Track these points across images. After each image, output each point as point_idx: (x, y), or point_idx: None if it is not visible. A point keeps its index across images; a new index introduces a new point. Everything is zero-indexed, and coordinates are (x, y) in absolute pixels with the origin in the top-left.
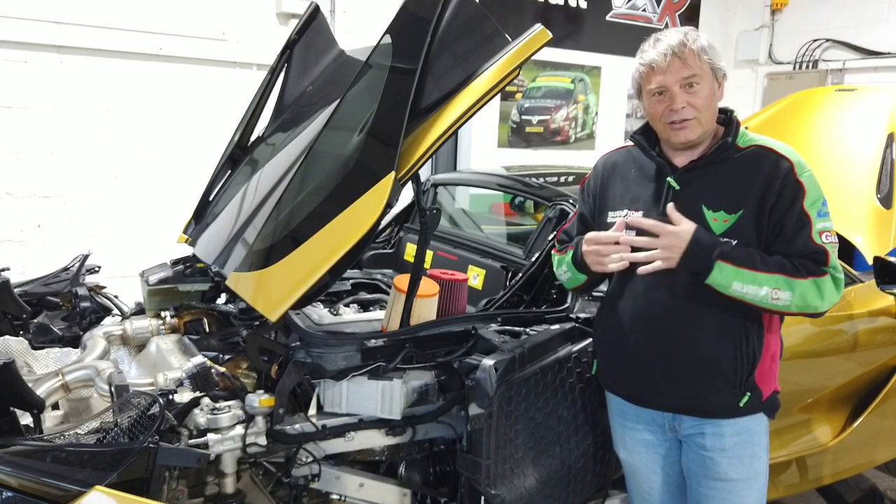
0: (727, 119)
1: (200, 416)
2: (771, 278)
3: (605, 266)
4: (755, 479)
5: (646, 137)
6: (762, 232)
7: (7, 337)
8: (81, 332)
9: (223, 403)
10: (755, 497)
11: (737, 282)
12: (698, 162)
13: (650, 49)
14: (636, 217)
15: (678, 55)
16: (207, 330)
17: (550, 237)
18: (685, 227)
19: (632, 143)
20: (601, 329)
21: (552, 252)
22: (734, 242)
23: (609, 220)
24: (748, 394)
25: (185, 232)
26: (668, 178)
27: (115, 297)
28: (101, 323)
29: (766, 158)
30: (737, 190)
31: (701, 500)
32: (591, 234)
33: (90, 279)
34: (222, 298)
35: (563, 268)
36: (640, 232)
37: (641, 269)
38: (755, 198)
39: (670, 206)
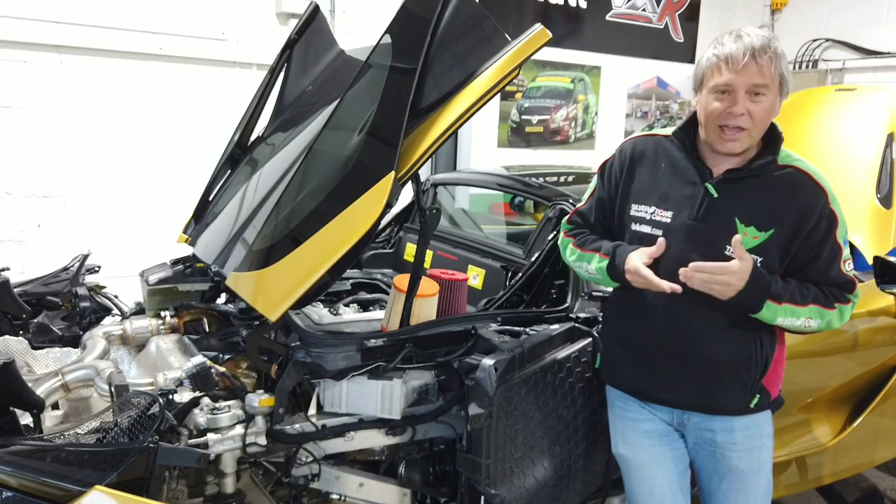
0: (772, 134)
1: (200, 416)
2: (806, 310)
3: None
4: (763, 469)
5: (687, 135)
6: (787, 254)
7: (7, 337)
8: (81, 332)
9: (223, 403)
10: (764, 485)
11: (780, 317)
12: (740, 173)
13: (730, 43)
14: (699, 264)
15: (756, 59)
16: (207, 330)
17: (550, 237)
18: (746, 265)
19: (663, 134)
20: (612, 326)
21: (562, 235)
22: (760, 262)
23: (633, 213)
24: (758, 395)
25: (184, 232)
26: (707, 184)
27: (115, 297)
28: (101, 323)
29: (805, 184)
30: (772, 209)
31: (713, 493)
32: (637, 268)
33: (90, 279)
34: (222, 298)
35: (586, 265)
36: (679, 240)
37: (694, 284)
38: (790, 222)
39: (736, 239)
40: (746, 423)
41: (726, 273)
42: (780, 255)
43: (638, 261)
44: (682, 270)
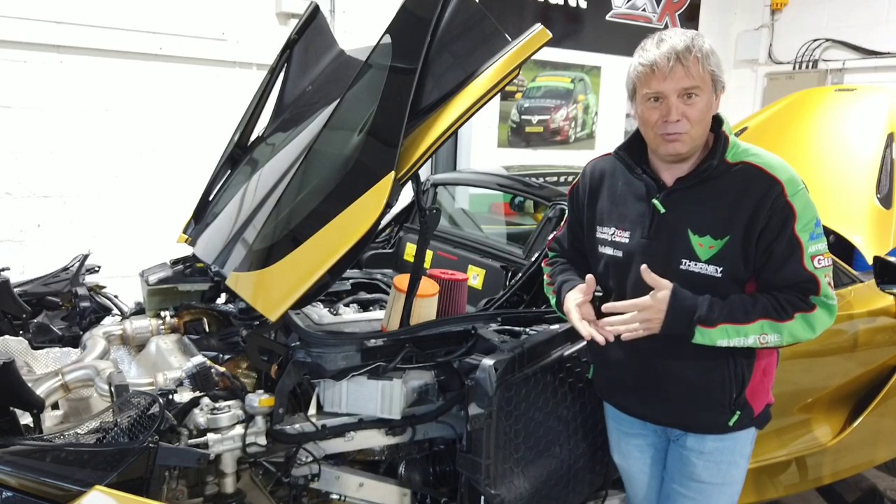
0: (716, 129)
1: (200, 416)
2: (755, 326)
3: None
4: (728, 486)
5: (630, 152)
6: (749, 258)
7: (7, 337)
8: (81, 332)
9: (223, 403)
10: (725, 501)
11: (721, 339)
12: (684, 182)
13: (652, 48)
14: (609, 304)
15: (682, 61)
16: (207, 330)
17: (550, 237)
18: (661, 297)
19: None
20: (594, 342)
21: (543, 264)
22: (720, 271)
23: (598, 235)
24: (738, 412)
25: (184, 232)
26: (654, 200)
27: (115, 297)
28: (101, 323)
29: (755, 180)
30: (724, 213)
31: (671, 495)
32: (569, 307)
33: (90, 279)
34: (222, 298)
35: (551, 297)
36: (622, 270)
37: (625, 337)
38: (742, 223)
39: (644, 268)
40: (721, 438)
41: (639, 309)
42: (742, 261)
43: (571, 302)
44: (601, 322)
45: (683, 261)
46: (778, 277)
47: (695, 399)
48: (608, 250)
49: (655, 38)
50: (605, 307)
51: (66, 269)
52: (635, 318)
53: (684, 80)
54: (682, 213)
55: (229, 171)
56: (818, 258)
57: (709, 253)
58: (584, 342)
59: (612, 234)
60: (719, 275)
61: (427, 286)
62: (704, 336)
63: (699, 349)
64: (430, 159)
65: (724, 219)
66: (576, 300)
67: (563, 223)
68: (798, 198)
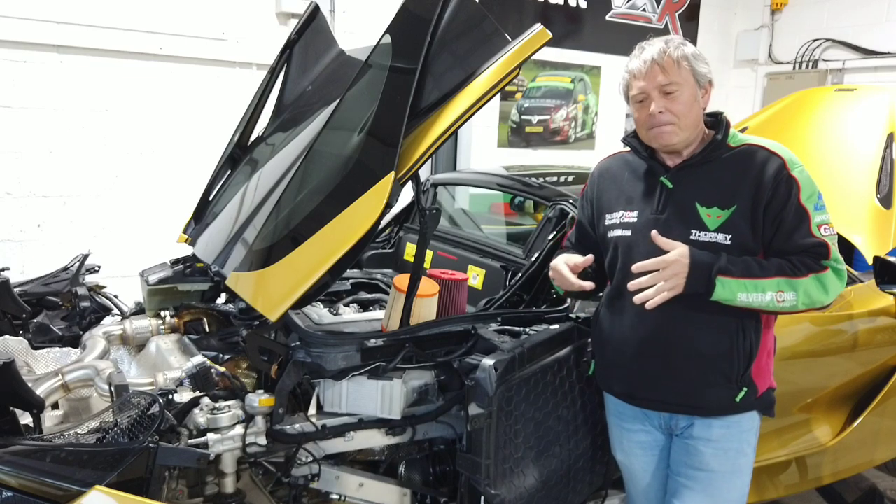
0: (717, 121)
1: (200, 416)
2: (772, 282)
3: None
4: (737, 475)
5: (638, 140)
6: (756, 227)
7: (7, 337)
8: (81, 332)
9: (223, 403)
10: (736, 493)
11: (741, 293)
12: (690, 160)
13: (635, 58)
14: (639, 264)
15: (658, 62)
16: (207, 330)
17: (550, 237)
18: (680, 251)
19: (626, 149)
20: (599, 328)
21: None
22: (728, 239)
23: (607, 222)
24: (745, 389)
25: (184, 232)
26: (662, 178)
27: (115, 296)
28: (101, 323)
29: (757, 155)
30: (729, 186)
31: (678, 490)
32: (555, 264)
33: (90, 279)
34: (222, 298)
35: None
36: (631, 249)
37: (650, 304)
38: (748, 193)
39: (654, 233)
40: (727, 423)
41: (666, 265)
42: (750, 230)
43: (560, 260)
44: (630, 285)
45: (693, 231)
46: (790, 245)
47: (704, 374)
48: (617, 232)
49: (637, 49)
50: (635, 267)
51: (66, 269)
52: (661, 275)
53: (660, 76)
54: (689, 187)
55: (229, 171)
56: (824, 227)
57: (717, 222)
58: (586, 340)
59: (620, 217)
60: (728, 242)
61: (427, 286)
62: (725, 287)
63: (710, 318)
64: (430, 159)
65: (730, 190)
66: (568, 260)
67: (574, 222)
68: (799, 172)
